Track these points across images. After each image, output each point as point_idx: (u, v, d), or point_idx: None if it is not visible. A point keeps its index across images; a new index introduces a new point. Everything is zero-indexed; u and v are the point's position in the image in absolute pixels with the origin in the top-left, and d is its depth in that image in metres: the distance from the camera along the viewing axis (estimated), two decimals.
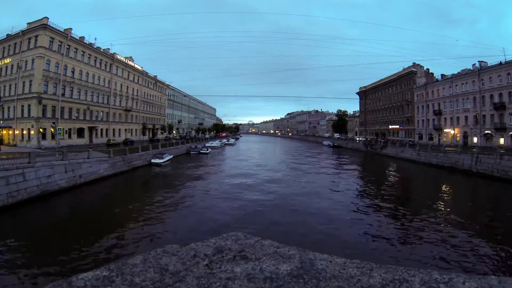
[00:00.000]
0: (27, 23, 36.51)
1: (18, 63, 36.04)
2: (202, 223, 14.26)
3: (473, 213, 16.59)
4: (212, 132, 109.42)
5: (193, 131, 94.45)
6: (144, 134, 59.65)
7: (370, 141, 65.06)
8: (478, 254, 10.76)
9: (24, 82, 35.82)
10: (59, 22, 45.11)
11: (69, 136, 39.35)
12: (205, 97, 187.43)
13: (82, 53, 42.94)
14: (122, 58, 54.05)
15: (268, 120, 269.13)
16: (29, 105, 35.52)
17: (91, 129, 44.79)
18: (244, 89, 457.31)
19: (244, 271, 1.13)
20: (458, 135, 48.79)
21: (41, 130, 34.32)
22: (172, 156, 39.21)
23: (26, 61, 35.82)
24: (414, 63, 63.09)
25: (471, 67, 47.98)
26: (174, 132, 75.32)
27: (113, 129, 51.21)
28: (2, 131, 37.37)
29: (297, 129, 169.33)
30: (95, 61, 46.11)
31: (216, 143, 70.14)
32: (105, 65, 49.21)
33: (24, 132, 36.00)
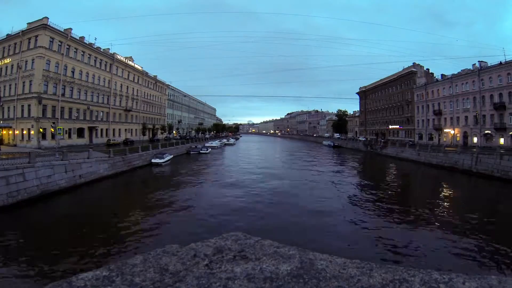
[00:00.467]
0: (27, 23, 36.51)
1: (18, 63, 36.04)
2: (202, 223, 14.26)
3: (473, 213, 16.58)
4: (212, 132, 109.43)
5: (193, 131, 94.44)
6: (144, 134, 59.65)
7: (370, 141, 65.05)
8: (478, 254, 10.76)
9: (24, 82, 35.82)
10: (59, 22, 45.15)
11: (69, 136, 39.35)
12: (205, 97, 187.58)
13: (82, 53, 42.94)
14: (122, 58, 54.05)
15: (268, 120, 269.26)
16: (29, 105, 35.52)
17: (91, 129, 44.79)
18: (244, 89, 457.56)
19: (244, 271, 1.13)
20: (458, 135, 48.79)
21: (41, 130, 34.30)
22: (172, 156, 39.21)
23: (26, 61, 35.82)
24: (414, 63, 63.07)
25: (470, 67, 48.01)
26: (174, 132, 75.34)
27: (113, 129, 51.21)
28: (2, 131, 37.38)
29: (297, 129, 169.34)
30: (95, 61, 46.11)
31: (216, 143, 70.14)
32: (105, 65, 49.21)
33: (24, 132, 36.00)
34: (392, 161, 44.52)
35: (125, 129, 55.50)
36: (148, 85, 66.26)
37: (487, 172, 28.17)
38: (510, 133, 39.02)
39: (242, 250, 1.34)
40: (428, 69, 61.88)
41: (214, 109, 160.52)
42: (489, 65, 43.34)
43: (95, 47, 46.29)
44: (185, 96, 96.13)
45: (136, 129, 59.23)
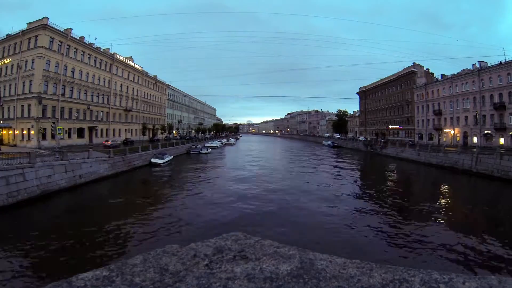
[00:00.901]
0: (27, 23, 36.51)
1: (18, 63, 36.04)
2: (202, 223, 14.26)
3: (473, 213, 16.59)
4: (212, 132, 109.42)
5: (193, 131, 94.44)
6: (144, 134, 59.65)
7: (370, 141, 65.04)
8: (478, 254, 10.76)
9: (24, 82, 35.82)
10: (59, 22, 45.17)
11: (69, 136, 39.35)
12: (205, 97, 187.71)
13: (82, 53, 42.94)
14: (122, 58, 54.06)
15: (268, 120, 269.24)
16: (29, 105, 35.52)
17: (91, 129, 44.79)
18: (244, 89, 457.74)
19: (244, 271, 1.13)
20: (458, 135, 48.79)
21: (41, 130, 34.32)
22: (172, 156, 39.21)
23: (26, 61, 35.82)
24: (414, 63, 63.09)
25: (470, 68, 48.01)
26: (174, 132, 75.33)
27: (113, 129, 51.21)
28: (2, 131, 37.38)
29: (297, 129, 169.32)
30: (95, 61, 46.12)
31: (216, 143, 70.13)
32: (105, 65, 49.21)
33: (24, 132, 36.00)
34: (392, 161, 44.52)
35: (125, 129, 55.50)
36: (148, 85, 66.26)
37: (487, 172, 28.17)
38: (510, 133, 39.02)
39: (242, 250, 1.34)
40: (428, 69, 61.90)
41: (214, 109, 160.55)
42: (489, 65, 43.34)
43: (95, 47, 46.29)
44: (185, 96, 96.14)
45: (136, 129, 59.23)
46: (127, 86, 56.61)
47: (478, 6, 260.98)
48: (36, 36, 35.56)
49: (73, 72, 40.75)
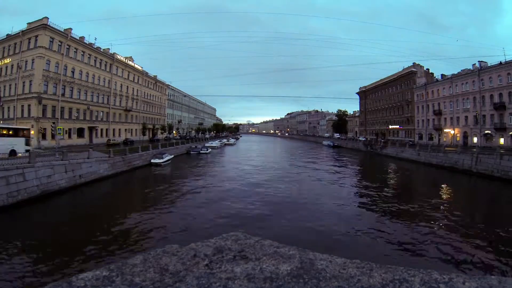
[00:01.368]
0: (27, 23, 36.54)
1: (18, 63, 36.06)
2: (202, 223, 14.26)
3: (473, 213, 16.60)
4: (212, 132, 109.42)
5: (193, 131, 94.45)
6: (144, 134, 59.67)
7: (370, 141, 65.05)
8: (478, 254, 10.76)
9: (24, 82, 35.84)
10: (59, 22, 45.21)
11: (69, 136, 39.37)
12: (205, 97, 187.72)
13: (82, 53, 42.97)
14: (122, 58, 54.08)
15: (268, 120, 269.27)
16: (29, 105, 35.53)
17: (91, 129, 44.80)
18: (244, 90, 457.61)
19: (244, 271, 1.13)
20: (458, 135, 48.80)
21: (41, 130, 34.32)
22: (172, 156, 39.20)
23: (26, 61, 35.84)
24: (414, 63, 63.11)
25: (470, 68, 48.02)
26: (174, 132, 75.34)
27: (113, 129, 51.22)
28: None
29: (297, 129, 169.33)
30: (95, 61, 46.13)
31: (216, 143, 70.13)
32: (105, 65, 49.23)
33: None
34: (392, 161, 44.52)
35: (125, 129, 55.52)
36: (148, 85, 66.27)
37: (487, 172, 28.17)
38: (510, 133, 39.02)
39: (242, 250, 1.34)
40: (428, 69, 61.92)
41: (214, 109, 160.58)
42: (489, 65, 43.35)
43: (95, 47, 46.32)
44: (185, 96, 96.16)
45: (136, 129, 59.25)
46: (127, 86, 56.62)
47: (475, 8, 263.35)
48: (36, 36, 35.58)
49: (73, 72, 40.77)
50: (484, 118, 43.03)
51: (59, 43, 38.01)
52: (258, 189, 22.45)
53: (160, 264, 1.19)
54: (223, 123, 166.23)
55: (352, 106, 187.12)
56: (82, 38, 43.22)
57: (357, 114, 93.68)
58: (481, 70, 43.97)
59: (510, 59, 39.67)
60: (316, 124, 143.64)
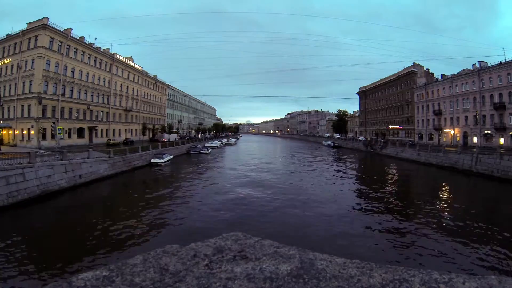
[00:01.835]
0: (27, 23, 36.51)
1: (18, 63, 36.05)
2: (202, 223, 14.27)
3: (473, 213, 16.59)
4: (212, 132, 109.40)
5: (193, 131, 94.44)
6: (144, 134, 59.67)
7: (370, 141, 65.05)
8: (478, 254, 10.76)
9: (24, 82, 35.83)
10: (59, 22, 45.07)
11: (69, 136, 39.35)
12: (205, 97, 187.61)
13: (82, 53, 42.95)
14: (122, 58, 54.07)
15: (268, 120, 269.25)
16: (29, 105, 35.52)
17: (91, 129, 44.79)
18: (244, 90, 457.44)
19: (244, 271, 1.13)
20: (458, 135, 48.80)
21: (41, 130, 34.33)
22: (172, 156, 39.22)
23: (26, 61, 35.83)
24: (414, 63, 63.09)
25: (470, 68, 48.02)
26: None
27: (113, 129, 51.21)
28: (2, 131, 37.39)
29: (297, 129, 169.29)
30: (95, 61, 46.12)
31: (216, 143, 70.13)
32: (105, 65, 49.22)
33: (24, 132, 36.01)
34: (392, 161, 44.53)
35: (125, 129, 55.50)
36: (148, 85, 66.27)
37: (487, 172, 28.18)
38: (510, 133, 39.02)
39: (242, 250, 1.33)
40: (428, 69, 61.90)
41: (214, 109, 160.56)
42: (489, 65, 43.35)
43: (95, 47, 46.30)
44: (185, 96, 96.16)
45: (136, 129, 59.25)
46: (127, 86, 56.61)
47: (471, 10, 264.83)
48: (36, 36, 35.56)
49: (73, 72, 40.76)
50: (484, 118, 43.04)
51: (59, 43, 38.00)
52: (258, 189, 22.45)
53: (160, 264, 1.19)
54: (223, 123, 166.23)
55: (352, 106, 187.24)
56: (82, 38, 43.21)
57: (357, 114, 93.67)
58: (481, 70, 43.97)
59: (510, 59, 39.69)
60: (316, 124, 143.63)
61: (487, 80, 42.82)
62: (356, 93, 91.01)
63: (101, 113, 48.15)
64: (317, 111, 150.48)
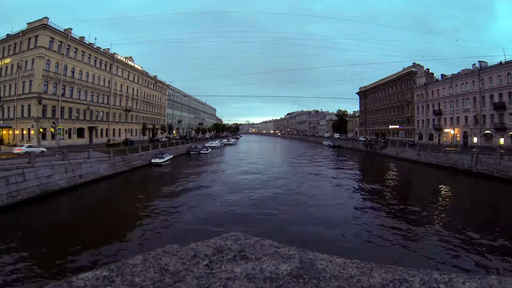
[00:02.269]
0: (27, 23, 36.54)
1: (18, 63, 36.06)
2: (202, 223, 14.26)
3: (473, 213, 16.59)
4: (212, 132, 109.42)
5: (193, 131, 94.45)
6: (144, 134, 59.68)
7: (370, 141, 65.05)
8: (478, 254, 10.76)
9: (24, 82, 35.84)
10: (59, 22, 45.10)
11: (69, 136, 39.37)
12: (205, 97, 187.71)
13: (82, 53, 42.97)
14: (122, 58, 54.08)
15: (268, 120, 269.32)
16: (29, 105, 35.54)
17: (91, 129, 44.80)
18: (245, 90, 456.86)
19: (244, 271, 1.13)
20: (458, 135, 48.80)
21: (41, 130, 34.33)
22: (172, 156, 39.22)
23: (26, 61, 35.84)
24: (414, 63, 63.08)
25: (470, 68, 48.03)
26: (174, 132, 75.34)
27: (113, 129, 51.23)
28: (2, 131, 37.39)
29: (297, 129, 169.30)
30: (95, 61, 46.14)
31: (216, 143, 70.12)
32: (105, 65, 49.24)
33: (24, 132, 36.01)
34: (392, 161, 44.52)
35: (125, 129, 55.52)
36: (148, 85, 66.28)
37: (487, 172, 28.18)
38: (510, 133, 39.02)
39: (242, 250, 1.34)
40: (428, 69, 61.89)
41: (214, 109, 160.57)
42: (489, 65, 43.35)
43: (95, 47, 46.32)
44: (185, 96, 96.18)
45: (136, 129, 59.25)
46: (127, 86, 56.63)
47: (467, 12, 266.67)
48: (36, 36, 35.58)
49: (73, 72, 40.77)
50: (484, 118, 43.03)
51: (59, 43, 38.02)
52: (258, 189, 22.44)
53: (160, 264, 1.19)
54: (223, 123, 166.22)
55: (352, 106, 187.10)
56: (82, 38, 43.23)
57: (357, 114, 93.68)
58: (481, 70, 43.97)
59: (510, 59, 39.69)
60: (316, 124, 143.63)
61: (487, 80, 42.82)
62: (356, 93, 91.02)
63: (101, 113, 48.16)
64: (317, 111, 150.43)
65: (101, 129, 47.90)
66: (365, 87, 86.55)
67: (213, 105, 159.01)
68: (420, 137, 57.73)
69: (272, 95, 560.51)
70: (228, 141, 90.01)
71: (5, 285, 8.34)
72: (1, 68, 38.22)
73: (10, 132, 37.26)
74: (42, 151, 25.21)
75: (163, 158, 35.40)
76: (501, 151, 30.36)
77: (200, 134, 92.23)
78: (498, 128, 40.57)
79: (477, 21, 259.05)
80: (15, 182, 16.43)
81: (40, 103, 35.08)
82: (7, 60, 37.68)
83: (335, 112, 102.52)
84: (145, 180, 27.60)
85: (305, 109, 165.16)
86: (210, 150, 53.81)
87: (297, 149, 70.81)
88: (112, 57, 50.82)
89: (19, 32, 36.50)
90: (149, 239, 12.25)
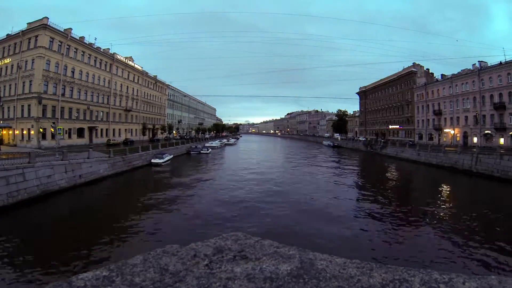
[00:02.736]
0: (27, 23, 36.50)
1: (18, 63, 36.04)
2: (202, 223, 14.26)
3: (473, 213, 16.58)
4: (212, 132, 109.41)
5: (193, 131, 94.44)
6: (144, 134, 59.65)
7: (370, 141, 65.05)
8: (478, 254, 10.76)
9: (24, 82, 35.82)
10: (59, 22, 45.01)
11: (69, 136, 39.35)
12: (205, 97, 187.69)
13: (82, 53, 42.94)
14: (122, 58, 54.06)
15: (268, 120, 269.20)
16: (29, 105, 35.52)
17: (91, 129, 44.78)
18: (245, 90, 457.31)
19: (244, 271, 1.13)
20: (458, 135, 48.79)
21: (41, 130, 34.32)
22: (172, 156, 39.22)
23: (26, 61, 35.82)
24: (414, 63, 63.07)
25: (470, 68, 48.02)
26: (174, 132, 75.35)
27: (113, 129, 51.21)
28: (2, 131, 37.38)
29: (297, 129, 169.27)
30: (95, 61, 46.12)
31: (216, 143, 70.11)
32: (105, 65, 49.22)
33: (24, 132, 36.00)
34: (392, 161, 44.52)
35: (125, 129, 55.50)
36: (148, 85, 66.26)
37: (487, 172, 28.18)
38: (510, 133, 39.02)
39: (242, 250, 1.34)
40: (428, 69, 61.88)
41: (214, 109, 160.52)
42: (489, 65, 43.35)
43: (95, 47, 46.29)
44: (185, 96, 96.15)
45: (136, 129, 59.23)
46: (127, 86, 56.61)
47: (463, 14, 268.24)
48: (36, 36, 35.55)
49: (73, 72, 40.75)
50: (484, 118, 43.04)
51: (59, 43, 38.00)
52: (258, 189, 22.44)
53: (160, 264, 1.19)
54: (223, 123, 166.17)
55: (352, 106, 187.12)
56: (82, 38, 43.20)
57: (357, 114, 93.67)
58: (481, 70, 43.97)
59: (510, 59, 39.69)
60: (316, 124, 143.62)
61: (487, 80, 42.82)
62: (356, 93, 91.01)
63: (101, 113, 48.14)
64: (317, 111, 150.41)
65: (101, 129, 47.88)
66: (365, 87, 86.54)
67: (213, 105, 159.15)
68: (420, 137, 57.73)
69: (272, 95, 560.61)
70: (228, 141, 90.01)
71: (5, 285, 8.34)
72: (1, 68, 38.19)
73: (10, 132, 37.25)
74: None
75: (163, 158, 35.39)
76: (501, 151, 30.36)
77: (200, 134, 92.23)
78: (498, 128, 40.57)
79: (474, 22, 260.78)
80: (15, 182, 16.43)
81: (40, 103, 35.06)
82: (7, 60, 37.66)
83: (335, 112, 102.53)
84: (145, 180, 27.59)
85: (305, 109, 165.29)
86: (210, 150, 53.81)
87: (297, 149, 70.80)
88: (112, 57, 50.80)
89: (19, 32, 36.47)
90: (149, 239, 12.25)
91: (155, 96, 70.69)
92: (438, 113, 53.07)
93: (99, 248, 10.95)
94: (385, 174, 33.16)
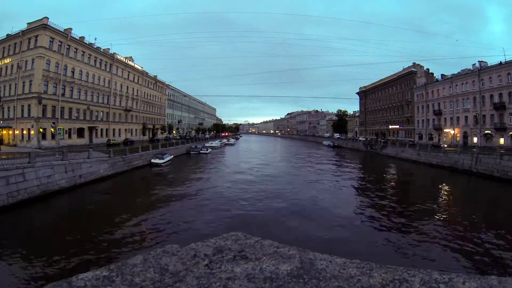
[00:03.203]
0: (27, 23, 36.51)
1: (18, 63, 36.04)
2: (202, 223, 14.26)
3: (472, 213, 16.58)
4: (212, 132, 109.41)
5: (193, 131, 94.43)
6: (144, 134, 59.63)
7: (370, 141, 65.05)
8: (478, 254, 10.76)
9: (24, 82, 35.82)
10: (59, 22, 45.01)
11: (69, 136, 39.35)
12: (205, 97, 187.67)
13: (82, 53, 42.94)
14: (122, 58, 54.06)
15: (268, 120, 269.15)
16: (29, 105, 35.51)
17: (91, 129, 44.78)
18: (244, 90, 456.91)
19: (244, 271, 1.13)
20: (458, 135, 48.80)
21: (41, 130, 34.32)
22: (172, 156, 39.21)
23: (26, 61, 35.81)
24: (414, 63, 63.08)
25: (470, 68, 48.03)
26: (174, 132, 75.34)
27: (113, 129, 51.21)
28: (2, 131, 37.38)
29: (297, 129, 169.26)
30: (95, 61, 46.11)
31: (216, 143, 70.09)
32: (105, 65, 49.22)
33: (24, 132, 35.99)
34: (392, 161, 44.52)
35: (125, 129, 55.50)
36: (148, 85, 66.25)
37: (487, 172, 28.18)
38: (510, 133, 39.02)
39: (242, 250, 1.34)
40: (428, 69, 61.88)
41: (214, 109, 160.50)
42: (489, 65, 43.35)
43: (95, 47, 46.29)
44: (185, 96, 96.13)
45: (136, 129, 59.22)
46: (127, 86, 56.61)
47: (459, 16, 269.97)
48: (36, 36, 35.55)
49: (73, 72, 40.75)
50: (484, 118, 43.04)
51: (59, 43, 37.99)
52: (258, 189, 22.44)
53: (160, 264, 1.19)
54: (223, 123, 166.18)
55: (352, 106, 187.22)
56: (82, 38, 43.21)
57: (357, 114, 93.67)
58: (481, 70, 43.97)
59: (510, 59, 39.70)
60: (316, 124, 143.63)
61: (487, 80, 42.82)
62: (356, 93, 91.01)
63: (101, 113, 48.14)
64: (317, 111, 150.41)
65: (101, 129, 47.87)
66: (365, 87, 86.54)
67: (213, 105, 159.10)
68: (420, 137, 57.73)
69: (272, 95, 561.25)
70: (228, 141, 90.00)
71: (5, 285, 8.34)
72: (1, 68, 38.19)
73: (10, 132, 37.24)
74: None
75: (163, 159, 35.36)
76: (501, 151, 30.36)
77: (200, 134, 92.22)
78: (498, 128, 40.57)
79: (469, 24, 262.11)
80: (15, 182, 16.43)
81: (40, 103, 35.06)
82: (7, 60, 37.65)
83: (335, 112, 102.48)
84: (145, 180, 27.59)
85: (305, 109, 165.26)
86: (210, 150, 53.80)
87: (297, 149, 70.80)
88: (112, 57, 50.80)
89: (19, 32, 36.47)
90: (149, 239, 12.26)
91: (155, 96, 70.69)
92: (438, 113, 53.07)
93: (99, 248, 10.95)
94: (385, 174, 33.16)
